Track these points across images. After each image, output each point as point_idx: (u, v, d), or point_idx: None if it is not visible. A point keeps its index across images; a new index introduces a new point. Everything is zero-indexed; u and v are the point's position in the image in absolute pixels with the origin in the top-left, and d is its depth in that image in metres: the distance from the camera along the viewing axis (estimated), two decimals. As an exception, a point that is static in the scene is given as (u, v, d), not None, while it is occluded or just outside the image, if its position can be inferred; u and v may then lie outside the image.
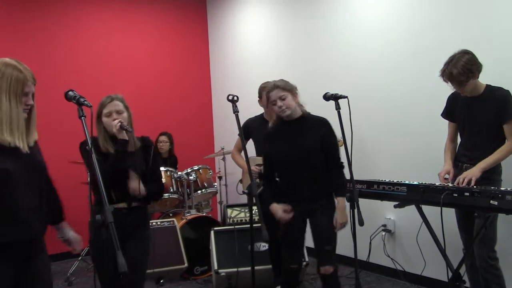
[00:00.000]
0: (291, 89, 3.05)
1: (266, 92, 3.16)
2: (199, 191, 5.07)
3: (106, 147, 2.69)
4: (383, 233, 4.37)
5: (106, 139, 2.71)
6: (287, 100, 3.01)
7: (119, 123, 2.63)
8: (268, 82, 3.92)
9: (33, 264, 2.04)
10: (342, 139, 2.92)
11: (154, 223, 4.31)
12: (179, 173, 5.06)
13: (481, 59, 2.96)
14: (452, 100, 3.25)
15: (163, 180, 4.59)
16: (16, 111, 1.93)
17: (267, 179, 3.21)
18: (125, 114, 2.72)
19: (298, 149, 3.02)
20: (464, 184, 2.86)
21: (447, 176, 3.14)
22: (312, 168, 3.02)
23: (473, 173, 2.90)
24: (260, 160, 3.97)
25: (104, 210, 1.90)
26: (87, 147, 2.06)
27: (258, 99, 3.95)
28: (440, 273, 3.46)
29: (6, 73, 1.93)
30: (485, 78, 3.04)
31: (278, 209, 3.03)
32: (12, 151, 1.96)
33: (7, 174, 1.92)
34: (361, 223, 2.66)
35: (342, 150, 2.99)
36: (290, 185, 3.08)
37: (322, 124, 3.06)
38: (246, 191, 2.85)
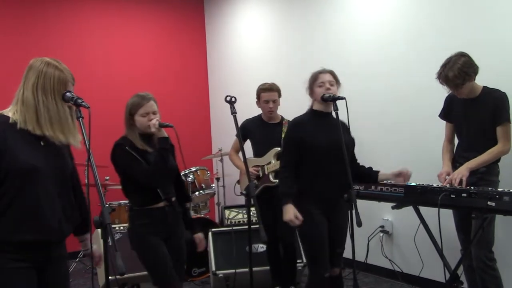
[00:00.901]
0: (338, 81, 3.04)
1: (315, 73, 3.03)
2: (196, 193, 5.06)
3: (142, 145, 2.73)
4: (381, 234, 4.38)
5: (139, 138, 2.74)
6: (334, 87, 2.97)
7: (158, 122, 2.69)
8: (266, 83, 3.93)
9: (51, 270, 2.04)
10: None
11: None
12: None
13: (478, 61, 2.97)
14: (449, 101, 3.25)
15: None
16: (63, 110, 2.00)
17: (292, 171, 2.97)
18: (158, 115, 2.77)
19: (335, 142, 2.86)
20: (457, 184, 2.86)
21: (447, 177, 3.14)
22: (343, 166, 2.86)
23: (461, 172, 2.90)
24: (257, 161, 3.97)
25: (102, 211, 1.90)
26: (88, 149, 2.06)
27: (256, 100, 3.96)
28: (438, 274, 3.46)
29: (48, 73, 1.99)
30: (483, 80, 3.05)
31: (292, 211, 2.87)
32: (44, 149, 1.99)
33: (36, 171, 1.94)
34: (359, 224, 2.65)
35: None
36: (322, 181, 2.93)
37: (346, 126, 3.00)
38: (244, 192, 2.83)
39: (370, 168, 3.13)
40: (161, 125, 2.70)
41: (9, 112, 2.00)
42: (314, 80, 2.99)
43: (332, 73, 3.01)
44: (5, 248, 1.90)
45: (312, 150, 2.92)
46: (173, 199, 2.82)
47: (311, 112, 3.05)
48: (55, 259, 2.06)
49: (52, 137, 1.98)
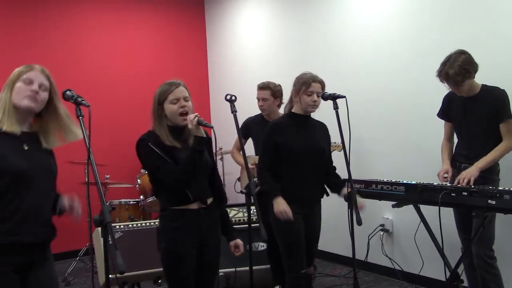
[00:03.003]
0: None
1: (307, 79, 2.99)
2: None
3: (171, 141, 2.41)
4: (381, 233, 4.38)
5: (168, 132, 2.43)
6: (319, 99, 3.02)
7: (197, 118, 2.36)
8: (262, 82, 3.95)
9: (35, 273, 2.03)
10: (340, 143, 2.93)
11: (152, 223, 4.30)
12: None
13: (478, 59, 2.97)
14: (448, 100, 3.25)
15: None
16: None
17: (272, 171, 3.03)
18: (190, 103, 2.48)
19: (313, 146, 3.04)
20: (463, 184, 2.86)
21: (446, 175, 3.15)
22: (322, 167, 3.08)
23: (471, 172, 2.90)
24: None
25: (102, 210, 1.89)
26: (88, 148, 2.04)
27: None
28: (438, 273, 3.46)
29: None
30: (482, 78, 3.05)
31: (284, 203, 2.92)
32: (28, 153, 2.00)
33: (22, 173, 1.94)
34: (359, 222, 2.66)
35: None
36: (299, 183, 3.01)
37: (325, 128, 3.17)
38: (244, 190, 2.83)
39: (339, 180, 3.11)
40: (200, 123, 2.37)
41: None
42: (304, 86, 2.98)
43: (322, 83, 3.04)
44: None
45: (289, 153, 3.00)
46: (209, 200, 2.50)
47: (291, 115, 3.10)
48: (39, 263, 2.04)
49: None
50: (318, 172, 3.06)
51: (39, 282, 2.04)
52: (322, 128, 3.16)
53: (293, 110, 3.10)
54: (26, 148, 2.02)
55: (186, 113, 2.43)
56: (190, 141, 2.45)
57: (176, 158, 2.39)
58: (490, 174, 3.02)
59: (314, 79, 2.99)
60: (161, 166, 2.37)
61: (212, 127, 2.43)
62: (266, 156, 3.06)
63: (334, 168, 3.19)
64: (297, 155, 2.99)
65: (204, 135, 2.43)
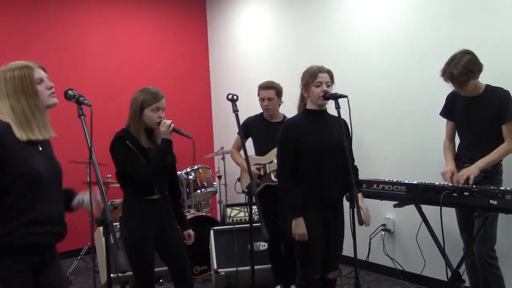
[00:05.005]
0: (333, 81, 2.97)
1: (314, 70, 2.93)
2: (198, 191, 5.06)
3: (146, 141, 2.78)
4: (383, 233, 4.37)
5: (144, 134, 2.78)
6: (329, 89, 2.90)
7: (172, 124, 2.75)
8: (265, 81, 3.94)
9: (47, 272, 2.05)
10: None
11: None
12: (178, 172, 5.04)
13: (482, 59, 2.96)
14: (451, 99, 3.24)
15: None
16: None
17: (290, 174, 2.89)
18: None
19: (329, 141, 2.87)
20: (461, 181, 2.85)
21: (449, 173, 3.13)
22: (342, 165, 2.83)
23: (471, 171, 2.90)
24: (259, 159, 3.97)
25: (104, 209, 1.90)
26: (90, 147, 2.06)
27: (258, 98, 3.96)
28: (440, 273, 3.46)
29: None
30: (486, 78, 3.04)
31: (302, 228, 2.82)
32: (43, 154, 2.02)
33: (41, 176, 1.96)
34: (361, 222, 2.65)
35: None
36: (318, 182, 2.87)
37: (344, 123, 2.91)
38: (245, 190, 2.84)
39: (353, 184, 2.79)
40: (176, 131, 2.77)
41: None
42: (311, 78, 2.90)
43: (329, 72, 2.93)
44: (6, 252, 1.91)
45: (307, 151, 2.87)
46: (166, 193, 2.90)
47: (305, 111, 2.99)
48: (50, 261, 2.07)
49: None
50: (337, 170, 2.86)
51: (51, 281, 2.06)
52: (340, 123, 2.84)
53: (307, 107, 2.99)
54: (40, 149, 2.04)
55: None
56: (158, 141, 2.83)
57: (147, 157, 2.75)
58: (493, 174, 3.01)
59: (321, 69, 2.91)
60: (135, 164, 2.72)
61: (191, 137, 2.77)
62: (285, 158, 2.92)
63: (352, 168, 2.84)
64: (314, 151, 2.86)
65: (171, 140, 2.77)
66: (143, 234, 2.76)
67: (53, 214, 2.01)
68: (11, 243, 1.90)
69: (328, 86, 2.88)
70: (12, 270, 1.91)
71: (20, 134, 1.95)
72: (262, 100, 3.91)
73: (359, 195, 2.86)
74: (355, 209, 2.66)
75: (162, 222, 2.83)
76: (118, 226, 3.48)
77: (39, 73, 2.03)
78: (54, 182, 2.05)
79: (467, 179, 2.86)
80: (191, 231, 3.04)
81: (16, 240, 1.91)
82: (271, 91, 3.87)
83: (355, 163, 3.04)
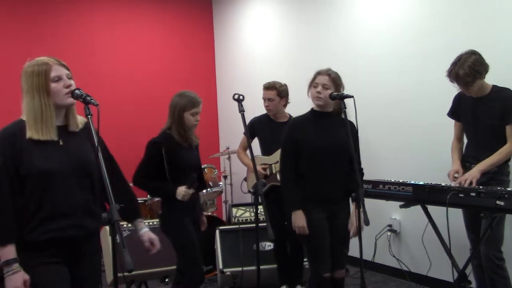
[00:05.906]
0: (339, 85, 2.94)
1: (314, 74, 2.99)
2: (204, 191, 5.06)
3: (182, 142, 3.09)
4: (389, 233, 4.36)
5: (182, 136, 3.09)
6: (327, 91, 2.89)
7: (185, 196, 3.00)
8: (268, 82, 3.95)
9: (82, 265, 2.07)
10: None
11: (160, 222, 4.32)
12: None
13: (488, 59, 2.95)
14: (458, 100, 3.23)
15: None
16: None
17: (292, 173, 2.96)
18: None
19: (332, 142, 2.90)
20: (466, 185, 2.85)
21: (456, 175, 3.12)
22: (345, 165, 2.90)
23: (472, 175, 2.89)
24: (265, 159, 3.97)
25: (110, 209, 1.90)
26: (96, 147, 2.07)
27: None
28: (446, 274, 3.45)
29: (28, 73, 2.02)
30: (492, 78, 3.03)
31: (301, 220, 2.88)
32: (62, 148, 2.02)
33: (52, 173, 1.96)
34: (367, 223, 2.65)
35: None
36: (320, 181, 2.91)
37: (351, 125, 2.90)
38: (251, 190, 2.83)
39: (359, 184, 2.78)
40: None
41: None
42: (311, 81, 2.97)
43: (330, 75, 2.91)
44: (33, 247, 1.94)
45: (309, 151, 2.91)
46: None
47: (311, 112, 3.03)
48: (86, 254, 2.09)
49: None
50: (340, 170, 2.91)
51: (82, 273, 2.08)
52: (345, 125, 2.82)
53: (313, 108, 3.03)
54: (61, 143, 2.03)
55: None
56: (192, 142, 3.19)
57: (182, 156, 3.08)
58: (500, 175, 3.00)
59: (320, 72, 2.95)
60: (144, 168, 3.08)
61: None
62: (287, 156, 2.98)
63: (356, 170, 2.77)
64: (316, 151, 2.90)
65: (182, 200, 3.01)
66: (187, 227, 3.04)
67: (69, 209, 2.00)
68: (35, 241, 1.94)
69: (326, 88, 2.89)
70: (42, 263, 1.94)
71: (29, 133, 1.96)
72: (263, 100, 3.95)
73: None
74: (361, 210, 2.66)
75: (195, 216, 3.16)
76: (124, 225, 3.55)
77: (58, 71, 2.02)
78: (75, 177, 2.03)
79: (470, 183, 2.85)
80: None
81: (38, 237, 1.94)
82: (271, 92, 3.89)
83: (361, 166, 3.04)
